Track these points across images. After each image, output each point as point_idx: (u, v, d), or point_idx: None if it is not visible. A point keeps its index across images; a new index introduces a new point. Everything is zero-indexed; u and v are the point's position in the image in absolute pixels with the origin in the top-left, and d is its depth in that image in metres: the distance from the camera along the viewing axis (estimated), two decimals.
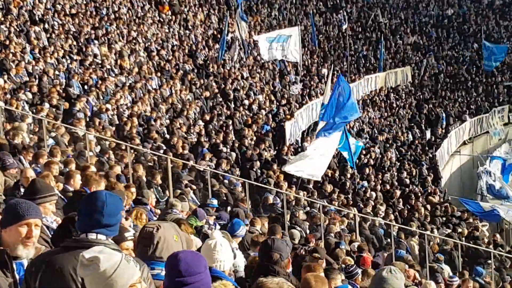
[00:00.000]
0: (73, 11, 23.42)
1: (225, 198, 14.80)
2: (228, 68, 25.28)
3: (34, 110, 15.09)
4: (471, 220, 19.95)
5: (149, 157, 15.38)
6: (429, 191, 21.60)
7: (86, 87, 18.21)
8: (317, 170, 17.90)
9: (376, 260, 12.32)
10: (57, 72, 18.10)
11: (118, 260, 3.03)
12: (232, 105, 22.19)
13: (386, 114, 28.78)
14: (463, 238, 18.16)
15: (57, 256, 3.53)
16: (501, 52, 35.40)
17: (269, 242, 5.67)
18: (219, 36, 26.43)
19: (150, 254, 3.97)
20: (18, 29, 19.54)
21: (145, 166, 13.92)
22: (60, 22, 21.66)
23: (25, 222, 3.77)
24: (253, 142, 20.05)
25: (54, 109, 15.72)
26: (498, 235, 19.81)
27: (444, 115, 30.29)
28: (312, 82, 27.61)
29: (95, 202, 3.66)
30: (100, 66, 20.14)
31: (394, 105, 30.47)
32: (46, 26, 20.79)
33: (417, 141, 26.98)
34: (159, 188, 13.30)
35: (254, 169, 18.39)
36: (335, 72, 25.07)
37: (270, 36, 24.62)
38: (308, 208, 16.46)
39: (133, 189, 10.14)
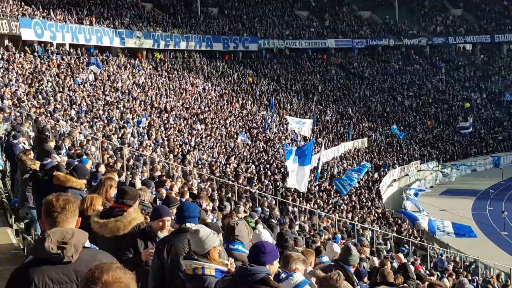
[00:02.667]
0: (188, 105, 39.51)
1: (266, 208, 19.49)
2: (268, 136, 40.11)
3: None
4: None
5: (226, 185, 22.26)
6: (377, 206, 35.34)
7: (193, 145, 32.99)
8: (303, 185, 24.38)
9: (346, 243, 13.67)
10: (178, 138, 33.35)
11: (209, 232, 4.77)
12: (270, 157, 36.38)
13: (353, 163, 41.01)
14: None
15: (172, 236, 5.47)
16: None
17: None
18: (263, 119, 42.07)
19: (232, 238, 6.39)
20: (157, 115, 35.66)
21: (225, 189, 20.94)
22: (180, 112, 37.60)
23: (161, 219, 5.70)
24: (280, 178, 32.22)
25: (176, 157, 27.18)
26: None
27: (384, 164, 42.91)
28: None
29: (182, 207, 5.61)
30: (200, 135, 35.02)
31: (357, 159, 42.75)
32: (173, 113, 36.47)
33: (369, 179, 38.76)
34: (231, 201, 17.90)
35: (280, 191, 27.79)
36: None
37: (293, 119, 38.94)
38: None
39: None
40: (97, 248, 4.60)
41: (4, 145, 13.98)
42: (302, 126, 36.80)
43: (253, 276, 4.29)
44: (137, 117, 31.33)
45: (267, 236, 6.81)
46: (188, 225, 5.39)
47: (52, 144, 13.58)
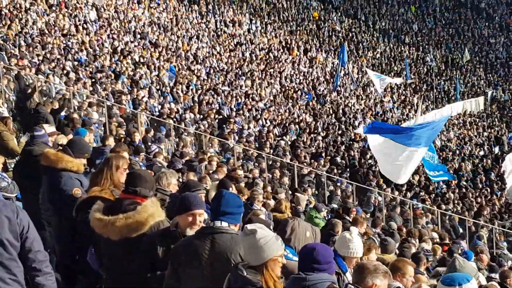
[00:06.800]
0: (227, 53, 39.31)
1: (338, 197, 21.62)
2: (341, 96, 40.28)
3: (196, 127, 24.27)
4: None
5: (279, 164, 22.71)
6: (498, 194, 33.90)
7: (234, 110, 31.93)
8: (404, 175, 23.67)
9: (452, 247, 16.26)
10: (213, 99, 31.65)
11: (270, 236, 4.86)
12: (343, 125, 36.61)
13: (462, 134, 41.54)
14: None
15: (195, 236, 5.56)
16: None
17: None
18: (334, 72, 42.08)
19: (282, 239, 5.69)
20: (185, 67, 35.26)
21: (280, 170, 21.05)
22: (216, 62, 37.33)
23: (191, 212, 5.84)
24: (358, 154, 32.37)
25: (211, 127, 25.57)
26: None
27: (510, 135, 42.63)
28: (405, 109, 42.22)
29: (217, 197, 5.66)
30: (244, 94, 34.84)
31: (469, 127, 43.32)
32: (207, 64, 36.58)
33: (487, 155, 38.69)
34: (287, 186, 19.73)
35: (359, 174, 27.49)
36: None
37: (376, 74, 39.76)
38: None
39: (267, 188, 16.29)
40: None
41: None
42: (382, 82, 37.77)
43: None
44: (157, 69, 31.41)
45: (358, 244, 7.01)
46: (220, 223, 5.48)
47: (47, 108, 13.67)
